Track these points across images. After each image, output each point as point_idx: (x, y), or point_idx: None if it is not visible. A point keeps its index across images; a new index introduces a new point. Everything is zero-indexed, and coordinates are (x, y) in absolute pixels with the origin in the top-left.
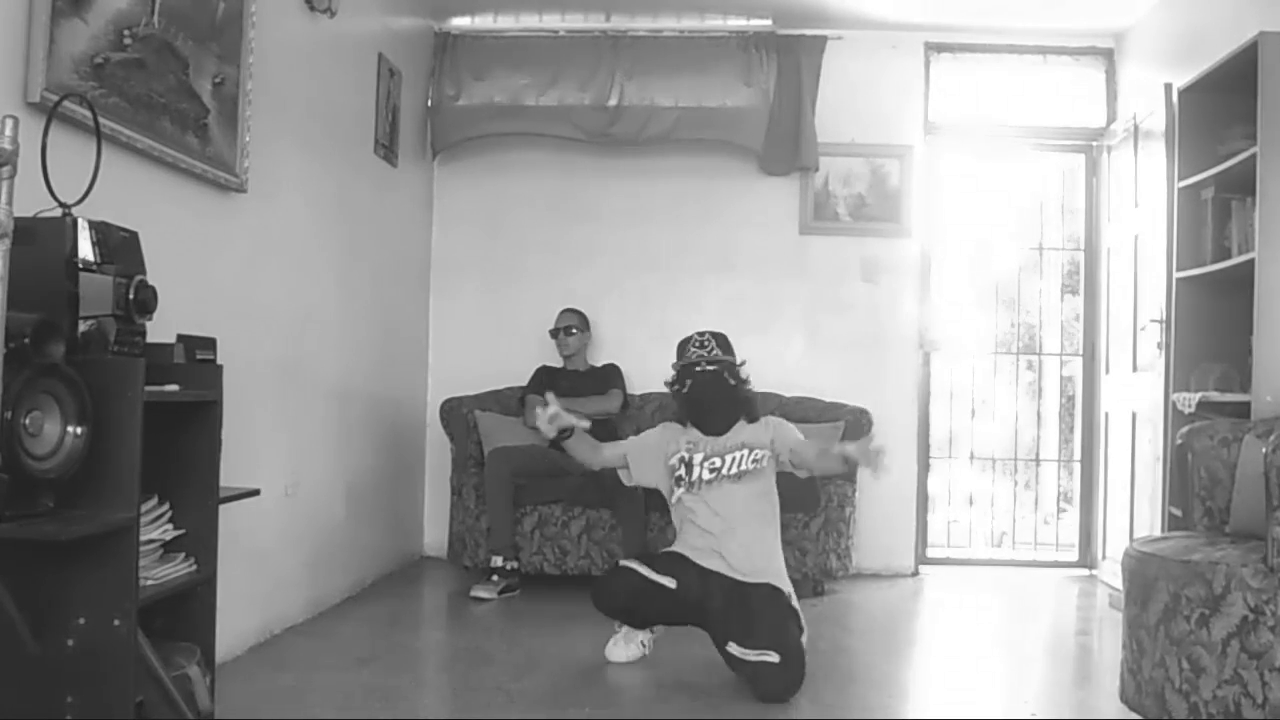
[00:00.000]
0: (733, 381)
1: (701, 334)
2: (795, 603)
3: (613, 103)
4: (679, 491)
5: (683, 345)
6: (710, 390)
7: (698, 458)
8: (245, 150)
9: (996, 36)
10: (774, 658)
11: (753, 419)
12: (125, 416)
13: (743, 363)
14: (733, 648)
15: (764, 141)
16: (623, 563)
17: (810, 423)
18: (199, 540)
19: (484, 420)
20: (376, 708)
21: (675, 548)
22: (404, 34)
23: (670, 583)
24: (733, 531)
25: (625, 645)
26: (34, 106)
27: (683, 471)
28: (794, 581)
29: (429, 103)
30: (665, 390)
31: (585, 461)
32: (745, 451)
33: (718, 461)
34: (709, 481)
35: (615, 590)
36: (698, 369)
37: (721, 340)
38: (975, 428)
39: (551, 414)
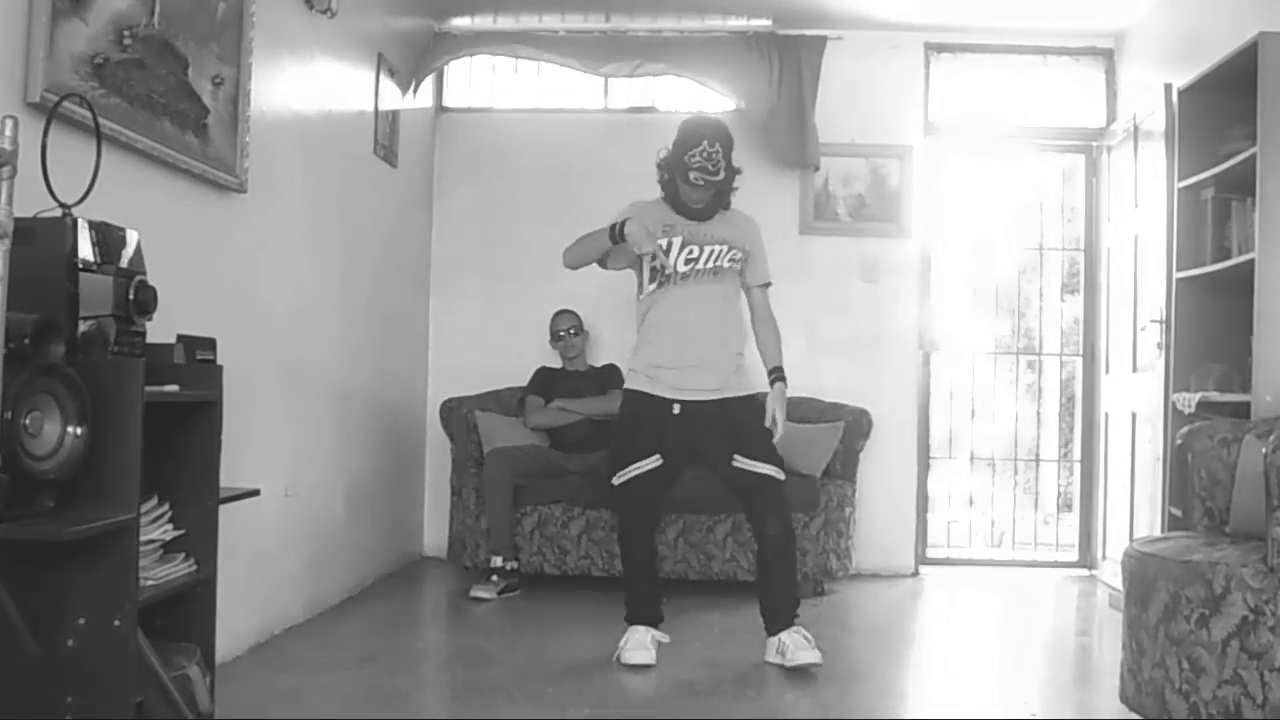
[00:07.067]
0: (731, 186)
1: (713, 144)
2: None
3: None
4: (650, 287)
5: (689, 139)
6: (707, 197)
7: (675, 243)
8: (245, 150)
9: (996, 36)
10: (779, 474)
11: (728, 208)
12: (125, 417)
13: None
14: (739, 460)
15: (765, 123)
16: (614, 481)
17: (810, 423)
18: (199, 540)
19: (484, 420)
20: (376, 708)
21: (639, 365)
22: (404, 34)
23: (655, 460)
24: (707, 335)
25: (640, 649)
26: (34, 107)
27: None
28: None
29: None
30: None
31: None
32: (724, 247)
33: (695, 251)
34: (684, 275)
35: (631, 507)
36: (699, 183)
37: (728, 145)
38: (975, 428)
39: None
